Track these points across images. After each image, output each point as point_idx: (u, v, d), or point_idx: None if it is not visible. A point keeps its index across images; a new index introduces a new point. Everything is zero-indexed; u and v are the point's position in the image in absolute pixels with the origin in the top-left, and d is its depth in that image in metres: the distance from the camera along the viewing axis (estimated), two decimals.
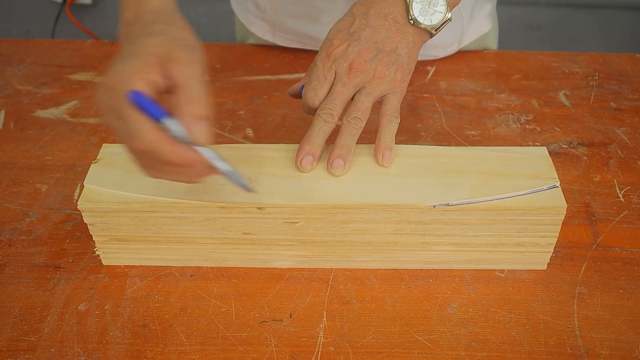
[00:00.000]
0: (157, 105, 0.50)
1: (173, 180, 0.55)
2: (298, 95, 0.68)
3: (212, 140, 0.52)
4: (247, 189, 0.56)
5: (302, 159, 0.63)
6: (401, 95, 0.65)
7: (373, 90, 0.64)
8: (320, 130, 0.63)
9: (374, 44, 0.64)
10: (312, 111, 0.65)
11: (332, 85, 0.64)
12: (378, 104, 0.66)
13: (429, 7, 0.66)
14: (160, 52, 0.52)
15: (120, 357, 0.58)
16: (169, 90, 0.52)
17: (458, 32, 0.95)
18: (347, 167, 0.63)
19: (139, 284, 0.65)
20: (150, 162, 0.53)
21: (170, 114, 0.51)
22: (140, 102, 0.50)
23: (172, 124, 0.51)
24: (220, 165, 0.53)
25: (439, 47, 0.96)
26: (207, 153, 0.52)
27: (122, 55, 0.53)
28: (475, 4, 0.96)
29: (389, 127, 0.64)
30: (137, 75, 0.51)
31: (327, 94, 0.65)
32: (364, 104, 0.64)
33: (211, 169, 0.54)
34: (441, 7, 0.66)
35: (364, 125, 0.64)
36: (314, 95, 0.65)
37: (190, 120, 0.51)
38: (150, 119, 0.50)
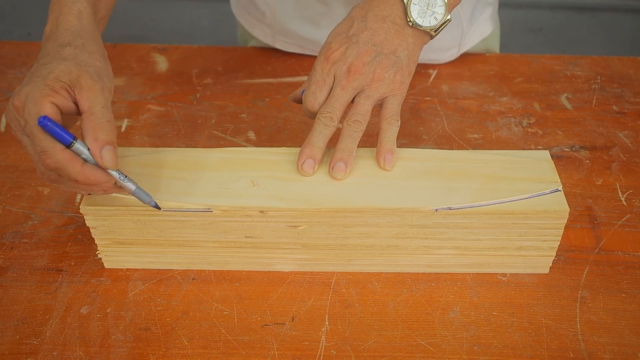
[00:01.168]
0: (64, 131, 0.54)
1: (80, 193, 0.58)
2: (300, 100, 0.68)
3: (115, 163, 0.55)
4: (153, 206, 0.60)
5: (303, 162, 0.63)
6: (401, 97, 0.65)
7: (372, 93, 0.64)
8: (320, 134, 0.63)
9: (372, 46, 0.64)
10: (313, 115, 0.65)
11: (332, 88, 0.64)
12: (378, 107, 0.66)
13: (427, 8, 0.65)
14: (68, 77, 0.55)
15: None
16: (78, 113, 0.57)
17: (458, 35, 0.95)
18: (348, 170, 0.63)
19: (141, 287, 0.65)
20: (59, 178, 0.56)
21: (76, 138, 0.55)
22: (49, 128, 0.53)
23: (83, 149, 0.55)
24: (127, 184, 0.58)
25: (438, 50, 0.95)
26: (114, 174, 0.57)
27: (33, 75, 0.56)
28: (475, 6, 0.96)
29: (390, 130, 0.64)
30: (44, 99, 0.54)
31: (327, 98, 0.65)
32: (364, 107, 0.64)
33: (119, 187, 0.58)
34: (440, 9, 0.66)
35: (364, 128, 0.64)
36: (314, 99, 0.65)
37: (96, 146, 0.54)
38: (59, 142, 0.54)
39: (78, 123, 0.58)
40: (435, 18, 0.66)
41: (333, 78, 0.64)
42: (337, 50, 0.64)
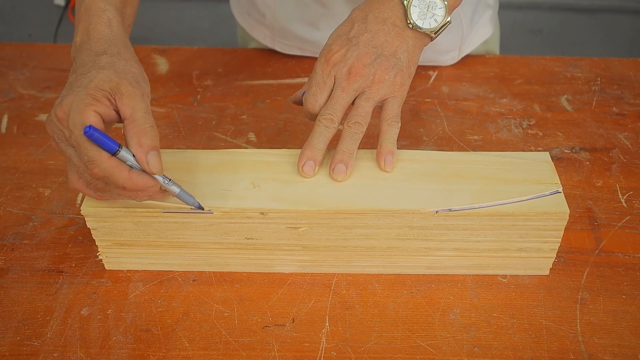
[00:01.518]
0: (109, 139, 0.54)
1: (125, 199, 0.59)
2: (300, 102, 0.68)
3: (161, 168, 0.56)
4: (198, 207, 0.60)
5: (303, 164, 0.63)
6: (401, 99, 0.66)
7: (373, 95, 0.64)
8: (321, 136, 0.63)
9: (372, 48, 0.64)
10: (314, 117, 0.66)
11: (332, 90, 0.65)
12: (378, 109, 0.66)
13: (427, 10, 0.65)
14: (109, 86, 0.56)
15: None
16: (120, 120, 0.57)
17: (458, 38, 0.95)
18: (349, 172, 0.63)
19: (142, 289, 0.65)
20: (105, 186, 0.57)
21: (121, 145, 0.55)
22: (95, 137, 0.54)
23: (128, 156, 0.55)
24: (172, 188, 0.58)
25: (438, 52, 0.96)
26: (160, 179, 0.57)
27: (73, 86, 0.57)
28: (475, 9, 0.96)
29: (390, 131, 0.64)
30: (88, 108, 0.54)
31: (327, 100, 0.65)
32: (364, 109, 0.64)
33: (163, 191, 0.59)
34: (440, 11, 0.66)
35: (364, 129, 0.64)
36: (314, 101, 0.65)
37: (141, 152, 0.55)
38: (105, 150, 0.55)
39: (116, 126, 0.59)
40: (435, 20, 0.66)
41: (333, 80, 0.64)
42: (338, 52, 0.64)
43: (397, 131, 0.64)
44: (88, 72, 0.57)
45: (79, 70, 0.59)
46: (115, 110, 0.57)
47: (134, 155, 0.55)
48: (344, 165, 0.63)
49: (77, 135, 0.54)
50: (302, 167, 0.63)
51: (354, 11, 0.67)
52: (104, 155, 0.54)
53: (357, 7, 0.67)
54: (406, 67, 0.66)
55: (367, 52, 0.64)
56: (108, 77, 0.57)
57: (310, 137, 0.64)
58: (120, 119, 0.57)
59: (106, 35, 0.62)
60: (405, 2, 0.65)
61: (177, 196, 0.59)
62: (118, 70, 0.58)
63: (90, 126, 0.53)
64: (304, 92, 0.67)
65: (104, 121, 0.56)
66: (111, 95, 0.56)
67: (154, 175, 0.57)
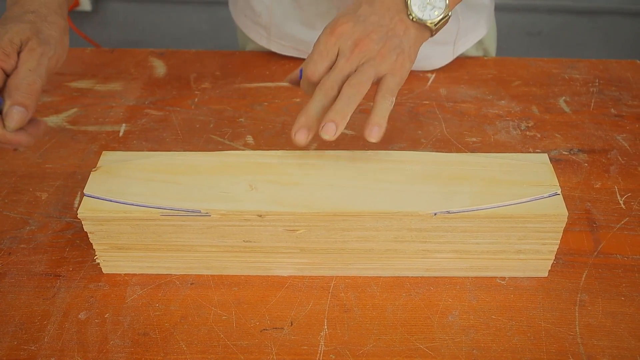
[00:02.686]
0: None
1: None
2: (296, 82, 0.67)
3: (19, 125, 0.58)
4: None
5: (296, 131, 0.61)
6: (400, 79, 0.65)
7: (375, 65, 0.63)
8: (319, 103, 0.62)
9: (379, 27, 0.64)
10: (312, 88, 0.64)
11: (335, 61, 0.64)
12: (375, 86, 0.65)
13: (427, 3, 0.66)
14: (19, 38, 0.58)
15: None
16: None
17: (453, 30, 0.94)
18: (337, 133, 0.60)
19: (140, 292, 0.64)
20: None
21: None
22: None
23: None
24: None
25: (432, 42, 0.95)
26: None
27: None
28: (470, 6, 0.96)
29: (383, 104, 0.62)
30: None
31: (328, 70, 0.64)
32: (365, 75, 0.62)
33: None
34: (440, 3, 0.66)
35: (362, 96, 0.62)
36: (314, 69, 0.64)
37: (8, 103, 0.56)
38: None
39: None
40: (436, 13, 0.66)
41: (337, 51, 0.64)
42: (345, 24, 0.64)
43: (390, 106, 0.63)
44: (8, 23, 0.60)
45: (2, 22, 0.61)
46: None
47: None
48: (335, 125, 0.60)
49: None
50: (295, 134, 0.61)
51: None
52: None
53: None
54: (407, 53, 0.65)
55: (374, 30, 0.64)
56: (23, 30, 0.59)
57: (308, 104, 0.62)
58: None
59: None
60: None
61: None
62: (35, 28, 0.60)
63: None
64: (302, 69, 0.66)
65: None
66: (20, 49, 0.58)
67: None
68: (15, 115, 0.56)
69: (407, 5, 0.65)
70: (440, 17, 0.66)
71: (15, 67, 0.58)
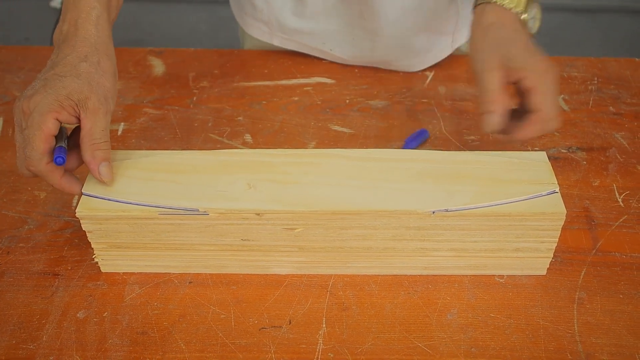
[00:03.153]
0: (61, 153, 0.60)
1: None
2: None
3: (112, 178, 0.62)
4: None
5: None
6: None
7: None
8: None
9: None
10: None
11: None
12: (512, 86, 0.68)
13: (531, 18, 0.71)
14: (78, 97, 0.60)
15: None
16: (77, 123, 0.62)
17: (453, 18, 0.94)
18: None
19: (138, 291, 0.64)
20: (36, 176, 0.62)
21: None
22: (58, 159, 0.59)
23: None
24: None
25: (433, 32, 0.95)
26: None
27: (47, 84, 0.61)
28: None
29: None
30: (50, 114, 0.59)
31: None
32: None
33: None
34: (535, 14, 0.72)
35: None
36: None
37: (94, 163, 0.60)
38: (51, 151, 0.60)
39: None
40: (537, 24, 0.72)
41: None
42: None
43: None
44: (65, 76, 0.61)
45: (57, 69, 0.62)
46: (76, 117, 0.61)
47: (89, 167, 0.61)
48: None
49: (29, 133, 0.58)
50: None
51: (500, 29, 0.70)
52: (44, 160, 0.59)
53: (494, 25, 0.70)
54: None
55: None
56: (80, 88, 0.60)
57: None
58: (78, 123, 0.62)
59: (92, 37, 0.65)
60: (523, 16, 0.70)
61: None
62: (92, 82, 0.62)
63: (61, 157, 0.59)
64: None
65: (61, 122, 0.61)
66: (77, 106, 0.60)
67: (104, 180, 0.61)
68: (106, 170, 0.61)
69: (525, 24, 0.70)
70: (537, 28, 0.72)
71: (85, 129, 0.60)
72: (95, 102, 0.61)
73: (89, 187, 0.62)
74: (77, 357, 0.58)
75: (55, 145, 0.60)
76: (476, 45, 0.70)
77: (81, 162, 0.63)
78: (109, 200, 0.61)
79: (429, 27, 0.93)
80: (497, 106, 0.65)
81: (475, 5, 0.73)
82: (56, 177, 0.61)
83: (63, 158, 0.59)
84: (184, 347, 0.59)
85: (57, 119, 0.59)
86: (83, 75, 0.62)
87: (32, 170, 0.60)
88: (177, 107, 0.90)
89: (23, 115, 0.60)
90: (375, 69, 0.98)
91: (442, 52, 0.97)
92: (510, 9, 0.69)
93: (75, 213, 0.61)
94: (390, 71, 0.97)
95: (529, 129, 0.65)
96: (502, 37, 0.68)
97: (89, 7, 0.65)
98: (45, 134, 0.58)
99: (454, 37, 0.97)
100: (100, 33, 0.65)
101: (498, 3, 0.70)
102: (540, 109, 0.64)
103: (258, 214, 0.60)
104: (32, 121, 0.58)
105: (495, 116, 0.65)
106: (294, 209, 0.60)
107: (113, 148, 0.65)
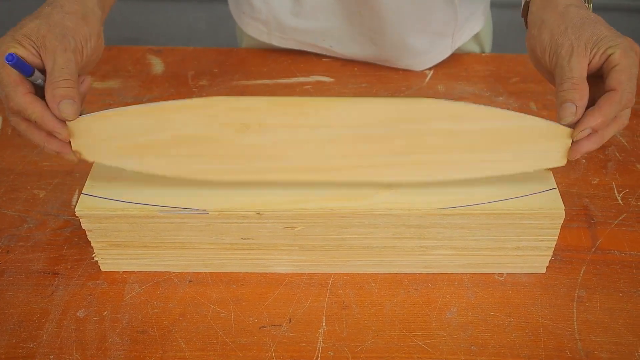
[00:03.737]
0: (26, 65, 0.57)
1: (44, 149, 0.60)
2: None
3: (74, 115, 0.57)
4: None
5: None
6: None
7: None
8: None
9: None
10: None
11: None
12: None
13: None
14: (35, 36, 0.58)
15: None
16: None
17: (452, 20, 0.94)
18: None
19: (138, 290, 0.64)
20: (25, 125, 0.58)
21: (35, 69, 0.58)
22: (14, 62, 0.55)
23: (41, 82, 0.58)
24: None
25: (433, 34, 0.95)
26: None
27: (9, 30, 0.60)
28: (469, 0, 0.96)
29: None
30: (9, 49, 0.57)
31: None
32: None
33: (69, 147, 0.60)
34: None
35: None
36: None
37: (53, 102, 0.56)
38: (25, 79, 0.57)
39: None
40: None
41: None
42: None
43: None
44: (26, 20, 0.60)
45: (24, 19, 0.61)
46: (37, 57, 0.58)
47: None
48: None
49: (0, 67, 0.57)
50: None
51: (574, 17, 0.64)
52: (20, 90, 0.57)
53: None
54: None
55: None
56: (37, 27, 0.59)
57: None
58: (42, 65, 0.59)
59: None
60: None
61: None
62: (50, 22, 0.59)
63: (11, 54, 0.55)
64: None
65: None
66: (37, 47, 0.58)
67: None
68: (67, 107, 0.57)
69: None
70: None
71: (47, 70, 0.58)
72: (52, 40, 0.58)
73: (89, 188, 0.62)
74: (77, 356, 0.58)
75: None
76: (556, 28, 0.63)
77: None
78: (108, 199, 0.61)
79: (428, 29, 0.93)
80: (581, 95, 0.58)
81: None
82: (37, 107, 0.57)
83: (13, 55, 0.56)
84: (184, 346, 0.59)
85: (17, 53, 0.57)
86: (42, 17, 0.60)
87: (13, 108, 0.57)
88: None
89: None
90: (375, 68, 0.98)
91: (441, 53, 0.97)
92: None
93: (75, 212, 0.61)
94: (390, 70, 0.97)
95: (604, 109, 0.57)
96: (585, 16, 0.63)
97: None
98: (9, 67, 0.57)
99: (454, 38, 0.97)
100: None
101: None
102: (619, 87, 0.58)
103: (258, 213, 0.60)
104: None
105: (577, 107, 0.58)
106: (294, 207, 0.60)
107: None
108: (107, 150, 0.59)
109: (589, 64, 0.59)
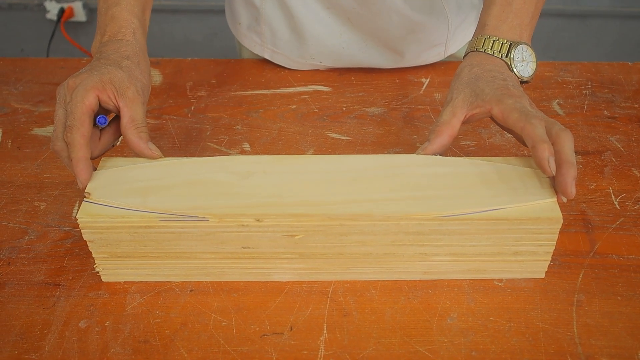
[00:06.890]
0: (106, 118, 0.67)
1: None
2: None
3: (160, 154, 0.68)
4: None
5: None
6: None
7: None
8: None
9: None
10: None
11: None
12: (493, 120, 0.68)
13: (522, 60, 0.71)
14: (119, 85, 0.66)
15: None
16: (113, 112, 0.68)
17: (444, 31, 0.96)
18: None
19: (139, 300, 0.65)
20: (61, 151, 0.65)
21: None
22: (103, 123, 0.67)
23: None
24: None
25: (425, 47, 0.96)
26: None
27: (93, 68, 0.67)
28: (460, 6, 0.97)
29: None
30: (93, 90, 0.64)
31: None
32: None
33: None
34: (531, 57, 0.71)
35: None
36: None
37: (143, 143, 0.66)
38: (92, 121, 0.65)
39: None
40: (531, 68, 0.71)
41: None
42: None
43: None
44: (110, 65, 0.68)
45: (103, 60, 0.69)
46: (114, 104, 0.66)
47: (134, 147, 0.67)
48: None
49: (72, 105, 0.63)
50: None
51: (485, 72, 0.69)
52: (82, 131, 0.63)
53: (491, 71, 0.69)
54: None
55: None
56: (122, 78, 0.67)
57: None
58: (114, 112, 0.68)
59: (132, 44, 0.72)
60: (507, 60, 0.70)
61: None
62: (132, 76, 0.68)
63: (104, 117, 0.67)
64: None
65: (100, 106, 0.66)
66: (117, 93, 0.66)
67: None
68: (155, 147, 0.67)
69: (512, 68, 0.70)
70: (534, 70, 0.71)
71: (126, 116, 0.66)
72: (134, 92, 0.67)
73: (90, 187, 0.63)
74: None
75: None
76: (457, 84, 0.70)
77: (102, 151, 0.68)
78: (109, 207, 0.61)
79: (419, 39, 0.94)
80: (436, 134, 0.67)
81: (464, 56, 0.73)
82: (81, 151, 0.62)
83: (105, 118, 0.66)
84: (186, 355, 0.59)
85: (98, 97, 0.64)
86: (125, 69, 0.68)
87: (67, 138, 0.63)
88: (175, 117, 0.91)
89: (68, 89, 0.65)
90: (372, 77, 0.99)
91: (434, 59, 0.99)
92: (493, 53, 0.70)
93: (76, 219, 0.61)
94: (387, 79, 0.98)
95: (531, 141, 0.61)
96: (478, 74, 0.68)
97: (127, 22, 0.73)
98: (87, 106, 0.63)
99: (446, 46, 0.98)
100: (138, 43, 0.73)
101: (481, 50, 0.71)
102: (520, 123, 0.62)
103: (258, 220, 0.60)
104: (76, 94, 0.63)
105: (429, 142, 0.67)
106: (294, 214, 0.60)
107: (115, 156, 0.66)
108: (114, 192, 0.63)
109: (472, 115, 0.67)
